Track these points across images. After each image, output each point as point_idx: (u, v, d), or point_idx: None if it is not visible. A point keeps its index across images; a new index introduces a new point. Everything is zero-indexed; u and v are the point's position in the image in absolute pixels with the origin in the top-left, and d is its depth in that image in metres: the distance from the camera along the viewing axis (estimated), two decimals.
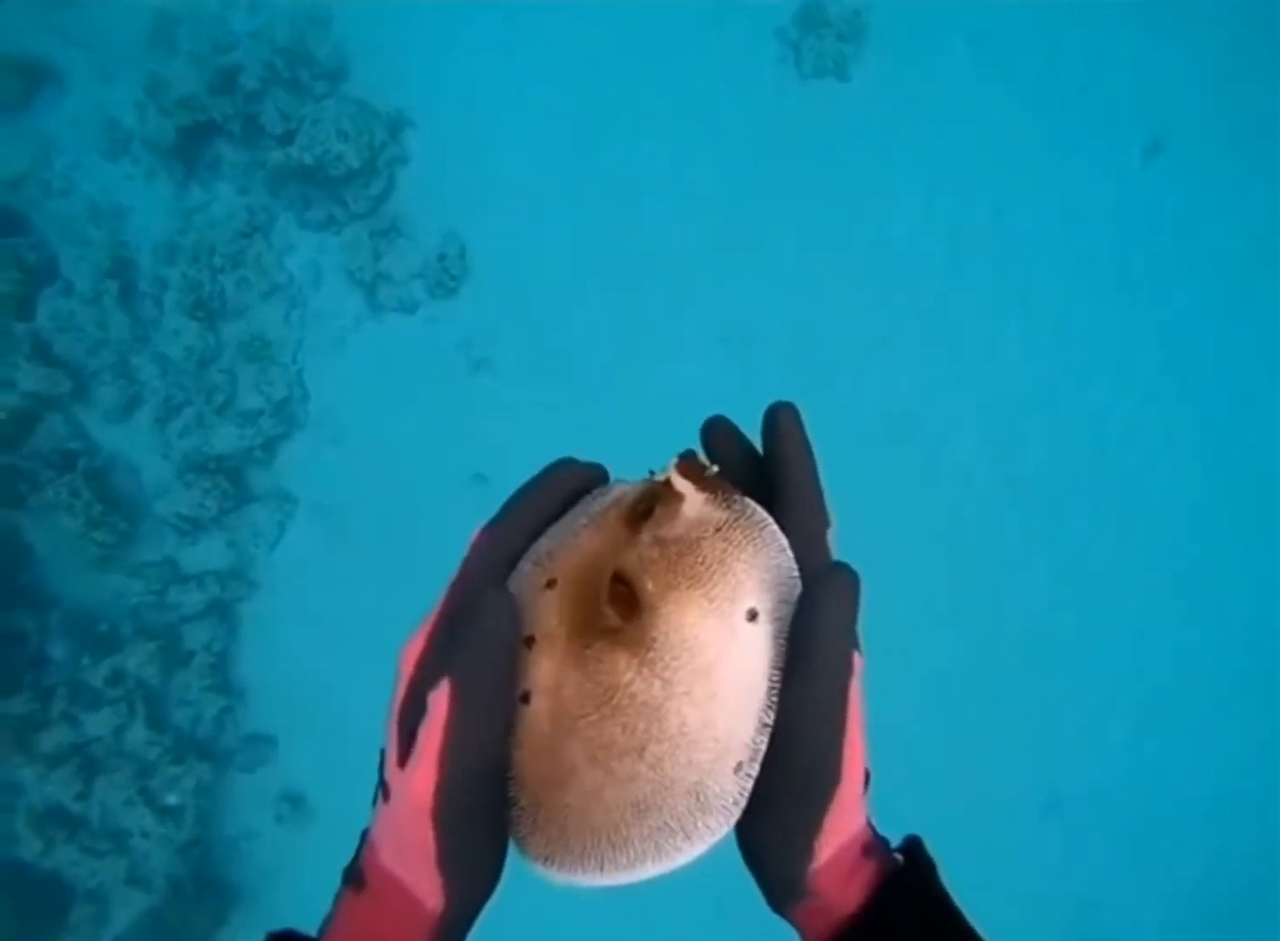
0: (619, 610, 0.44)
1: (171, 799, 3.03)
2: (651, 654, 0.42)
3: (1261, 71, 3.49)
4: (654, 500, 0.47)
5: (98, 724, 3.00)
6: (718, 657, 0.42)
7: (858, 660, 0.46)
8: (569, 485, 0.50)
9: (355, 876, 0.47)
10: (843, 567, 0.45)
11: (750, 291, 3.52)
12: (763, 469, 0.50)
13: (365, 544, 3.41)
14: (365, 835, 0.48)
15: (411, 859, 0.44)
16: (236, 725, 3.27)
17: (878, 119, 3.56)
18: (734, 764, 0.42)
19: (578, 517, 0.48)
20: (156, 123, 3.37)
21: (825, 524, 0.49)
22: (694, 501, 0.46)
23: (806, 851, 0.45)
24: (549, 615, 0.44)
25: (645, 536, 0.45)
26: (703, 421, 0.52)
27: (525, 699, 0.43)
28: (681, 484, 0.47)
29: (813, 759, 0.43)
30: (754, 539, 0.45)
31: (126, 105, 3.46)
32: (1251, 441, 3.47)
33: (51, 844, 2.89)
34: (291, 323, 3.44)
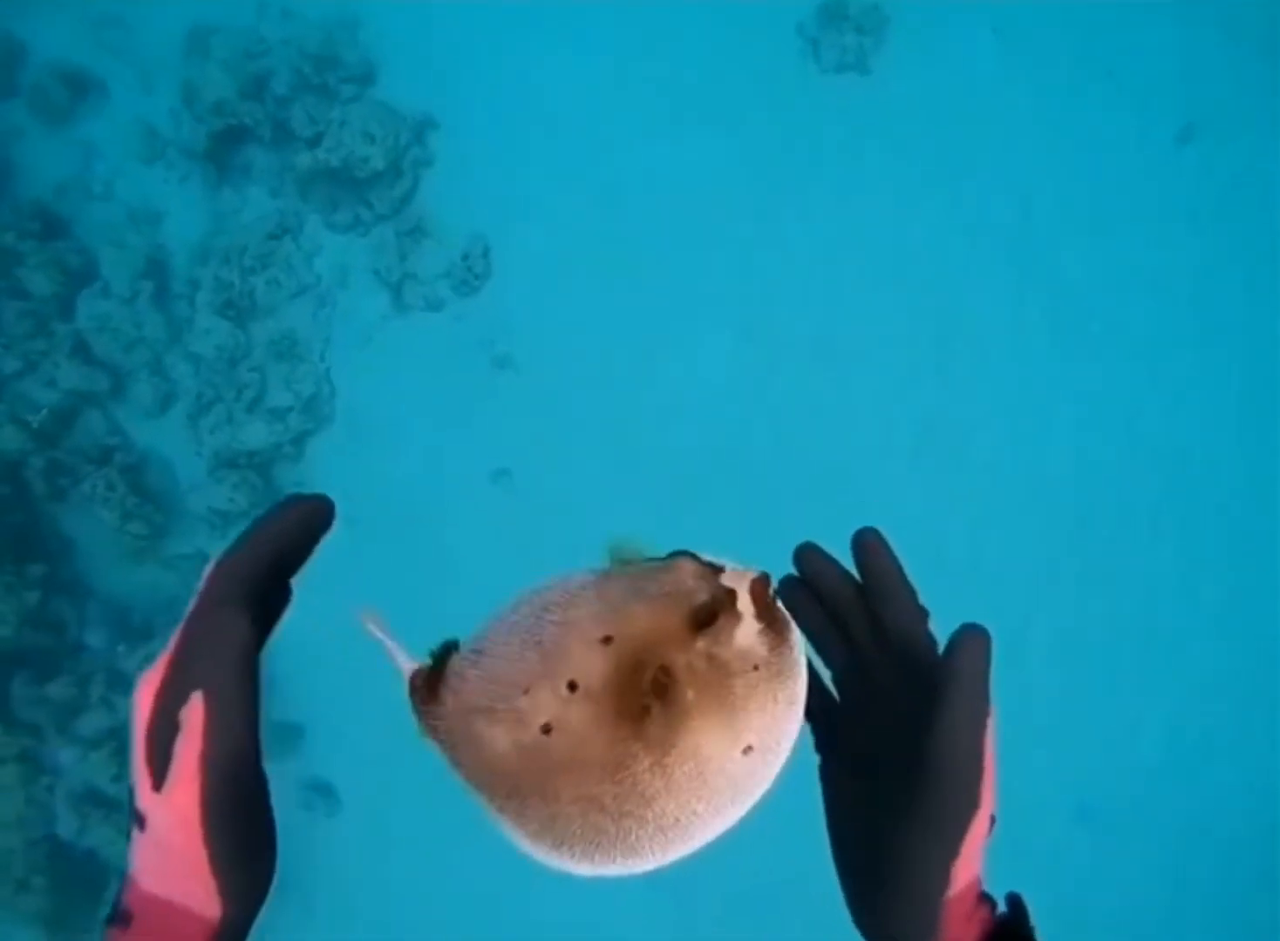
0: (655, 695, 0.48)
1: None
2: (667, 759, 0.47)
3: None
4: (718, 607, 0.51)
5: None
6: (714, 775, 0.49)
7: (992, 714, 0.52)
8: (300, 517, 0.52)
9: (118, 917, 0.47)
10: (978, 628, 0.52)
11: (771, 288, 3.52)
12: (855, 583, 0.60)
13: (391, 536, 3.48)
14: (123, 880, 0.49)
15: (180, 875, 0.45)
16: (265, 714, 3.35)
17: (899, 112, 3.54)
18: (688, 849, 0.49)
19: (649, 583, 0.52)
20: (191, 129, 3.48)
21: (924, 616, 0.58)
22: (748, 628, 0.51)
23: (944, 883, 0.50)
24: (596, 673, 0.48)
25: (700, 644, 0.49)
26: (795, 548, 0.62)
27: (546, 730, 0.48)
28: (746, 605, 0.51)
29: (955, 796, 0.50)
30: (775, 691, 0.51)
31: (163, 113, 3.57)
32: None
33: (88, 823, 2.99)
34: (319, 321, 3.53)
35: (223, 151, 3.52)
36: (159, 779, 0.45)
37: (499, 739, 0.49)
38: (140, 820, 0.46)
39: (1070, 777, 3.36)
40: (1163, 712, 3.37)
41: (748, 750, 0.49)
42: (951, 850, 0.50)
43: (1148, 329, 3.45)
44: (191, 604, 0.49)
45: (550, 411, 3.50)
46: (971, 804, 0.50)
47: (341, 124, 3.44)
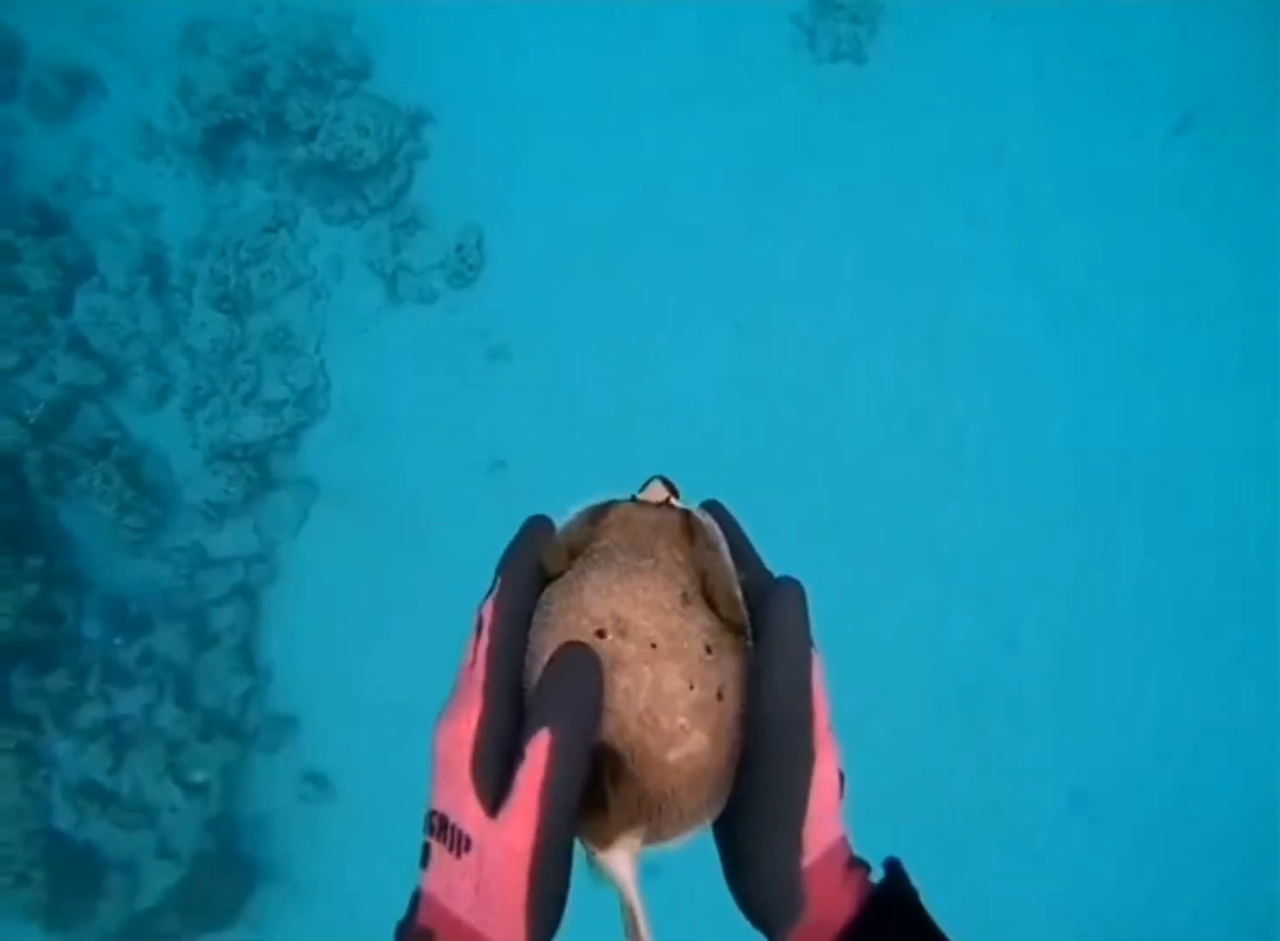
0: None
1: (199, 776, 3.13)
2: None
3: None
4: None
5: (129, 701, 3.11)
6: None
7: (816, 658, 0.49)
8: (544, 538, 0.55)
9: (415, 932, 0.47)
10: (789, 579, 0.50)
11: (765, 279, 3.50)
12: None
13: (386, 529, 3.49)
14: (419, 896, 0.48)
15: (495, 907, 0.45)
16: (261, 705, 3.37)
17: (894, 102, 3.52)
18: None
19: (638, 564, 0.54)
20: (187, 124, 3.49)
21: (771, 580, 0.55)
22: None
23: (796, 845, 0.47)
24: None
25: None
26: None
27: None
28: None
29: (786, 742, 0.47)
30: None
31: (160, 108, 3.59)
32: None
33: (85, 816, 3.00)
34: (314, 314, 3.53)
35: (218, 146, 3.54)
36: (494, 804, 0.45)
37: None
38: (464, 842, 0.46)
39: (1064, 766, 3.33)
40: (1157, 702, 3.34)
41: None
42: (795, 810, 0.47)
43: (1143, 320, 3.42)
44: (476, 645, 0.51)
45: (545, 403, 3.50)
46: (804, 755, 0.47)
47: (336, 118, 3.44)
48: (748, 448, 3.40)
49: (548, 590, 0.54)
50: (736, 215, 3.52)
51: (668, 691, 0.49)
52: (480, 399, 3.52)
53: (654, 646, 0.50)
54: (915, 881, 0.51)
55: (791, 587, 0.49)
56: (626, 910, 0.47)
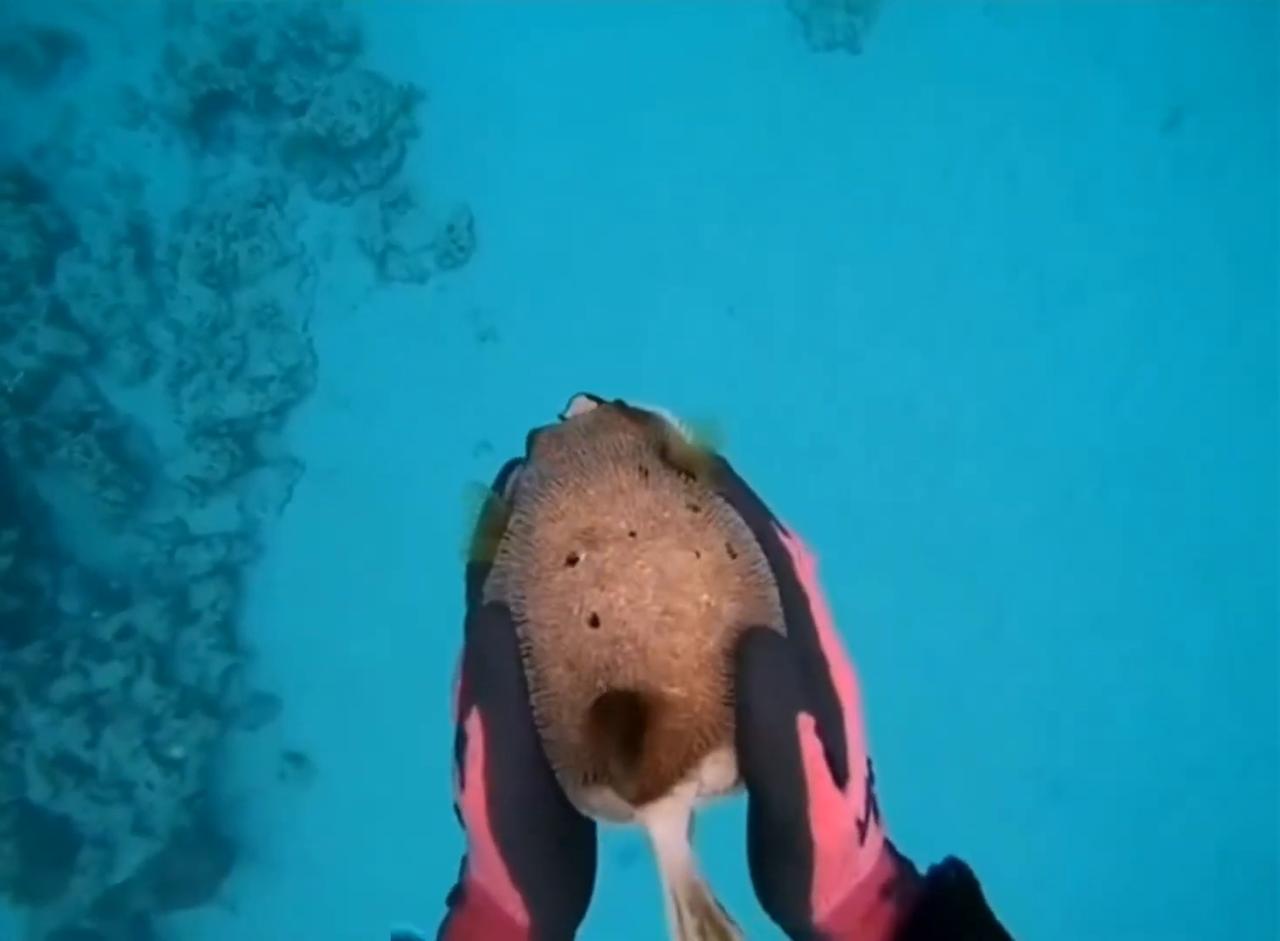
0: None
1: (176, 752, 3.11)
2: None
3: None
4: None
5: (107, 676, 3.08)
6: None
7: (804, 719, 0.42)
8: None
9: (458, 895, 0.49)
10: (762, 632, 0.43)
11: (759, 264, 3.51)
12: None
13: (371, 510, 3.47)
14: (464, 859, 0.50)
15: (493, 876, 0.45)
16: (242, 683, 3.35)
17: (889, 91, 3.53)
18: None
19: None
20: (174, 93, 3.43)
21: None
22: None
23: (806, 908, 0.45)
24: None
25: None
26: None
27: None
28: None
29: (783, 820, 0.42)
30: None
31: (145, 76, 3.53)
32: (1271, 417, 3.39)
33: (60, 789, 2.98)
34: (303, 291, 3.50)
35: (206, 117, 3.48)
36: (460, 785, 0.45)
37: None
38: (459, 815, 0.46)
39: (1044, 757, 3.39)
40: (1138, 693, 3.40)
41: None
42: (803, 893, 0.44)
43: (1134, 310, 3.46)
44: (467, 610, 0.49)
45: (533, 386, 3.48)
46: (796, 797, 0.41)
47: (327, 92, 3.40)
48: (738, 433, 3.40)
49: (500, 552, 0.46)
50: (729, 200, 3.53)
51: (674, 573, 0.42)
52: (468, 380, 3.50)
53: (633, 534, 0.43)
54: (976, 880, 0.49)
55: (759, 647, 0.42)
56: (671, 897, 0.39)
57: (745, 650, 0.42)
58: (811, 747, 0.42)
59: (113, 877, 3.07)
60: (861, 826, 0.45)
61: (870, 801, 0.46)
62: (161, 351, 3.41)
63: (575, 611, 0.42)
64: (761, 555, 0.45)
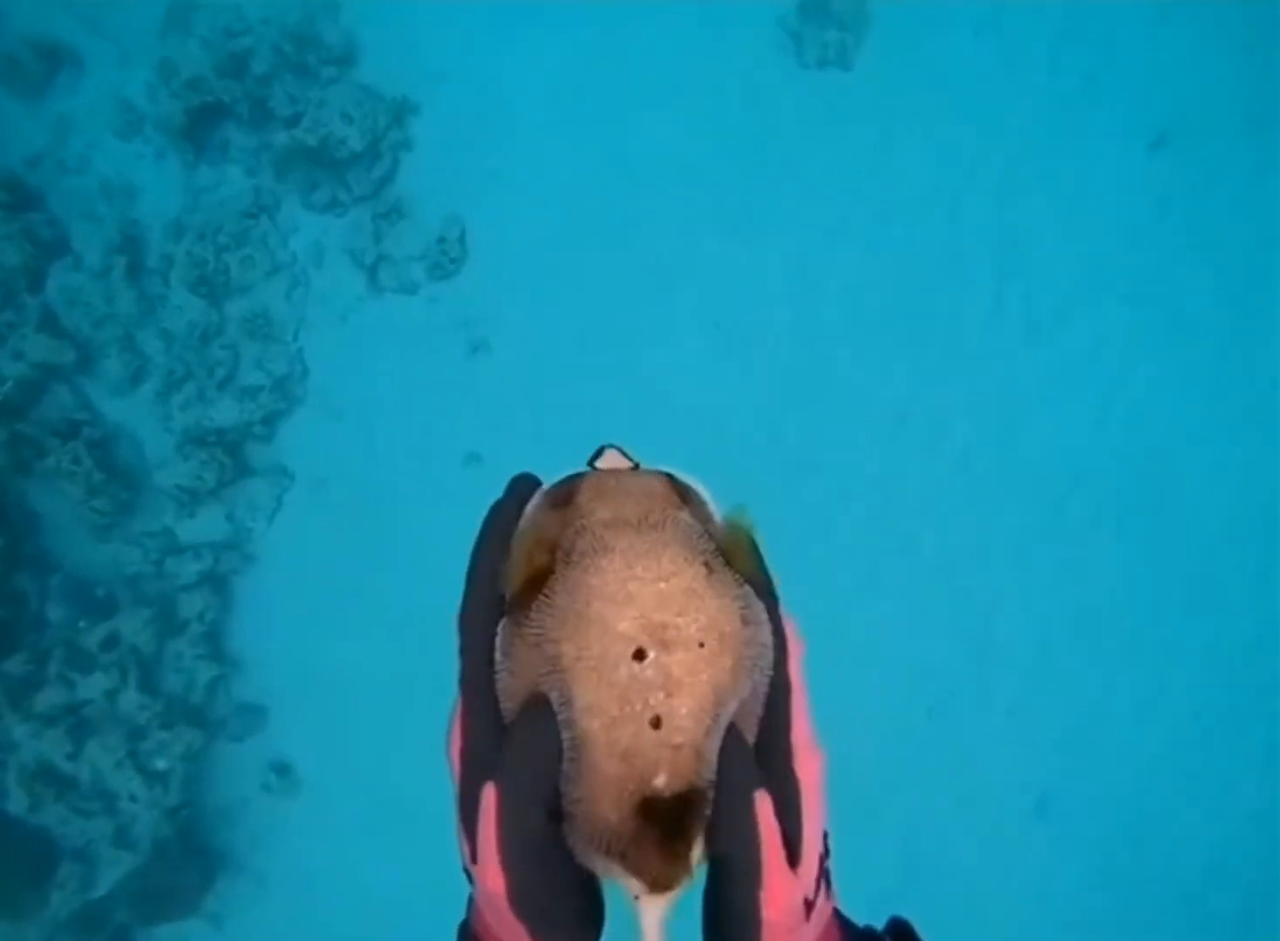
0: None
1: (160, 763, 3.09)
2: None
3: (1270, 64, 3.44)
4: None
5: (91, 686, 3.06)
6: None
7: (762, 797, 0.45)
8: (497, 534, 0.50)
9: (471, 937, 0.50)
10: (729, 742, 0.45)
11: (747, 279, 3.53)
12: None
13: (361, 520, 3.46)
14: (471, 901, 0.51)
15: (513, 935, 0.47)
16: (228, 694, 3.33)
17: (880, 109, 3.56)
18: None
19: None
20: (167, 105, 3.45)
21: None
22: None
23: None
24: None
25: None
26: None
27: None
28: None
29: (737, 891, 0.45)
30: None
31: (140, 87, 3.55)
32: (1256, 433, 3.41)
33: (40, 801, 2.95)
34: (293, 301, 3.51)
35: (200, 128, 3.50)
36: (473, 849, 0.46)
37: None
38: (469, 877, 0.48)
39: (1032, 771, 3.37)
40: (1125, 708, 3.40)
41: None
42: (745, 932, 0.46)
43: (1121, 327, 3.49)
44: (462, 659, 0.48)
45: (524, 397, 3.50)
46: (750, 870, 0.44)
47: (320, 104, 3.43)
48: (728, 445, 3.42)
49: (538, 609, 0.45)
50: (719, 215, 3.55)
51: (724, 693, 0.44)
52: (459, 391, 3.51)
53: (702, 646, 0.44)
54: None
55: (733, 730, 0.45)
56: None
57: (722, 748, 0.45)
58: (769, 826, 0.44)
59: (93, 891, 3.03)
60: (809, 904, 0.47)
61: (823, 876, 0.49)
62: (152, 360, 3.41)
63: (638, 708, 0.43)
64: (769, 648, 0.47)
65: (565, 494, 0.49)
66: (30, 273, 3.34)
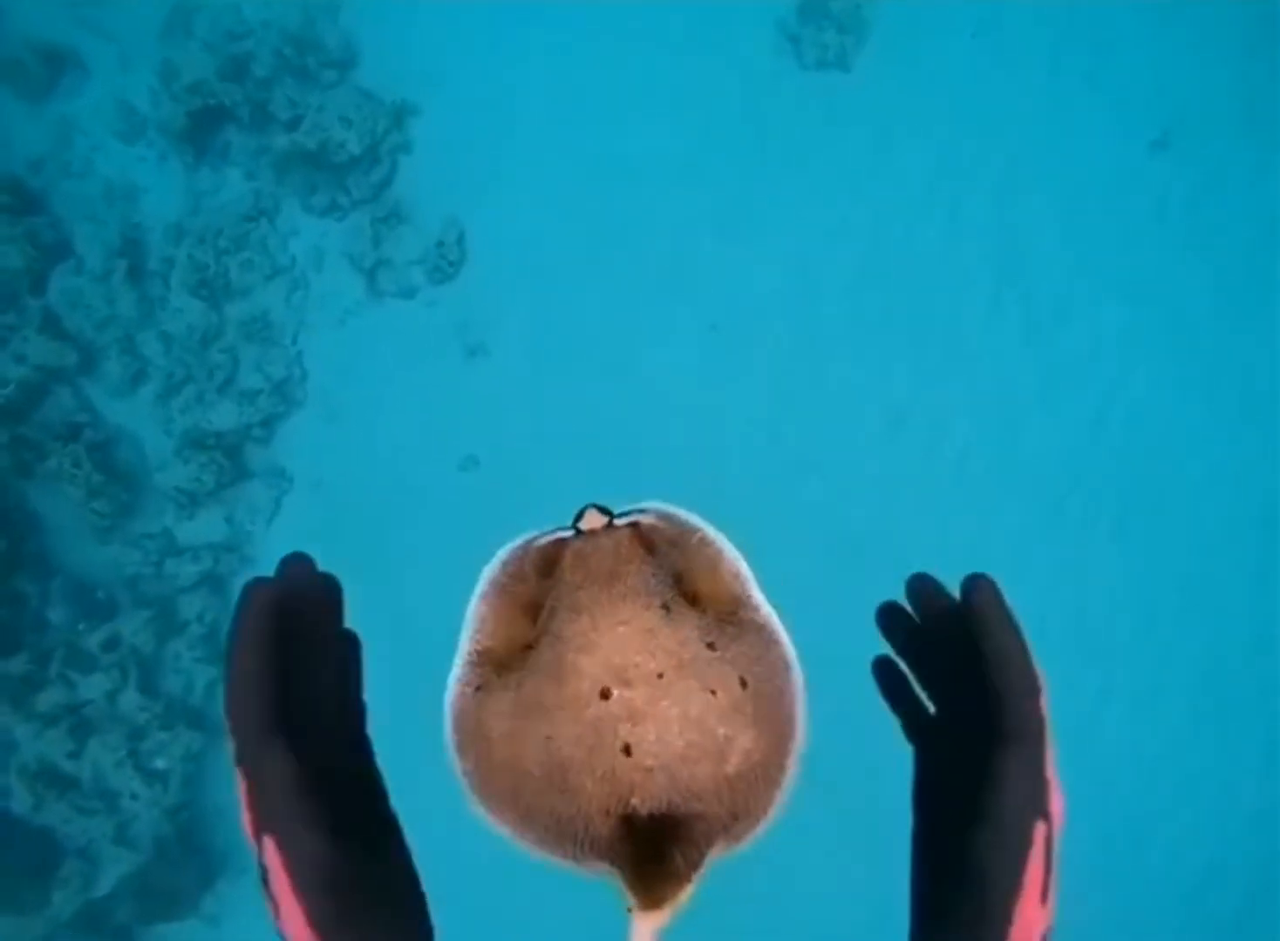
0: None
1: (160, 763, 3.12)
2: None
3: (1272, 64, 3.42)
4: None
5: (92, 687, 3.09)
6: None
7: (1041, 827, 0.49)
8: (264, 610, 0.51)
9: None
10: (1021, 735, 0.51)
11: (745, 280, 3.53)
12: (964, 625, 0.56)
13: (359, 523, 3.48)
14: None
15: None
16: None
17: (879, 111, 3.55)
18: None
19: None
20: (169, 108, 3.47)
21: (1036, 689, 0.54)
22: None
23: None
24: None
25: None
26: (908, 578, 0.62)
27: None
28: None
29: (987, 903, 0.48)
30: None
31: (142, 91, 3.57)
32: (1255, 432, 3.40)
33: (43, 800, 2.98)
34: (293, 305, 3.52)
35: (201, 132, 3.52)
36: (275, 914, 0.48)
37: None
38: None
39: None
40: (1123, 709, 3.39)
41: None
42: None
43: (1119, 327, 3.47)
44: (230, 743, 0.50)
45: (521, 401, 3.50)
46: (1009, 889, 0.48)
47: (319, 108, 3.44)
48: (726, 446, 3.42)
49: (528, 666, 0.53)
50: (718, 218, 3.55)
51: (695, 714, 0.50)
52: (456, 395, 3.52)
53: (660, 676, 0.50)
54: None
55: (1023, 746, 0.50)
56: None
57: (1011, 749, 0.50)
58: (1038, 854, 0.48)
59: (95, 889, 3.07)
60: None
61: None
62: (152, 363, 3.43)
63: (609, 740, 0.50)
64: (777, 670, 0.53)
65: (549, 562, 0.57)
66: (32, 275, 3.36)
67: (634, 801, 0.49)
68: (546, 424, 3.46)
